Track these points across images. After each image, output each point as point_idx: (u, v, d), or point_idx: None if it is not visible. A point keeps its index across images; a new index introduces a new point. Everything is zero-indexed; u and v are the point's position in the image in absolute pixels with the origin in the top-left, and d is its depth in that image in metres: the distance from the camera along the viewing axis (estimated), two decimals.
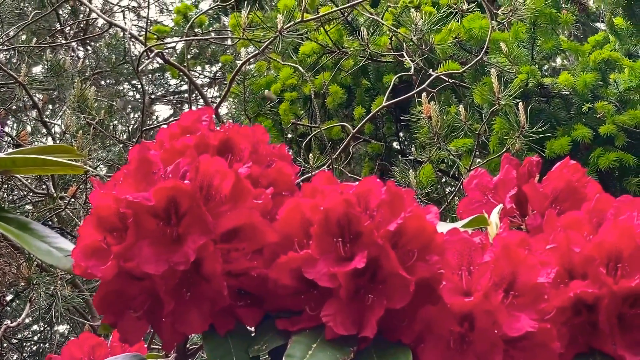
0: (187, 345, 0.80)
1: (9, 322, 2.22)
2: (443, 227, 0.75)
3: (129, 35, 2.52)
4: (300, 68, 3.07)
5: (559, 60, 4.14)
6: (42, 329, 3.99)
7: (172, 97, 6.78)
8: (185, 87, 6.74)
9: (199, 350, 0.85)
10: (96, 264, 0.69)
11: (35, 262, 2.23)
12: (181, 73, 5.35)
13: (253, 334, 0.73)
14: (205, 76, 6.33)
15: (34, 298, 2.25)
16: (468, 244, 0.73)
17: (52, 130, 3.03)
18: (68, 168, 0.82)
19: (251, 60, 3.35)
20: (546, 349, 0.70)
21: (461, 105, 2.73)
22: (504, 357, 0.70)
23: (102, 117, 2.65)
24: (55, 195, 2.40)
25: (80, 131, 2.47)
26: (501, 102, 2.51)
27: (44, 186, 2.75)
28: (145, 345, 1.16)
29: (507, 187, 0.98)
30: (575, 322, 0.74)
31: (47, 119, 2.82)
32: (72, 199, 2.44)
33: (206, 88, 6.29)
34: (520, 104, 2.52)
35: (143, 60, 2.46)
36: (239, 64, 2.87)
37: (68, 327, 4.18)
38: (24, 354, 4.36)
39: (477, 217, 0.87)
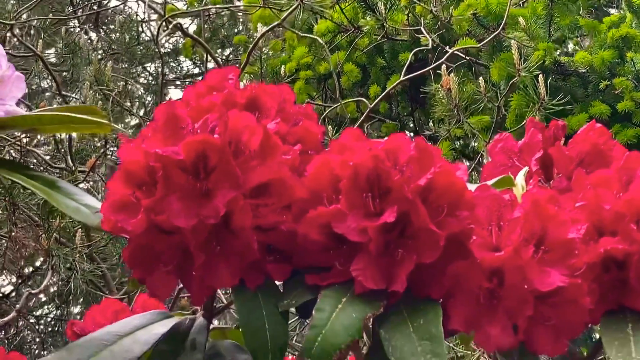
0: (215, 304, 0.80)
1: (30, 289, 2.24)
2: (471, 187, 0.75)
3: (147, 4, 2.52)
4: (321, 40, 3.05)
5: (571, 45, 4.12)
6: (57, 306, 4.02)
7: (185, 80, 6.77)
8: (197, 70, 6.74)
9: (225, 309, 0.85)
10: (126, 218, 0.69)
11: (53, 235, 2.25)
12: (194, 52, 5.36)
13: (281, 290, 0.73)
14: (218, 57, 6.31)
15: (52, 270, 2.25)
16: (498, 200, 0.72)
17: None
18: (95, 127, 0.82)
19: (266, 37, 3.34)
20: (576, 304, 0.70)
21: (481, 78, 2.72)
22: (533, 313, 0.69)
23: (120, 90, 2.65)
24: (73, 168, 2.41)
25: (100, 102, 2.47)
26: (521, 74, 2.49)
27: (59, 162, 2.76)
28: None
29: (532, 151, 0.97)
30: (605, 279, 0.73)
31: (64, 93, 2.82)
32: (91, 172, 2.44)
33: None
34: (540, 76, 2.51)
35: (162, 30, 2.46)
36: (252, 43, 2.86)
37: (83, 307, 4.20)
38: (39, 332, 4.39)
39: (503, 178, 0.86)
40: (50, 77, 3.37)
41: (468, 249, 0.70)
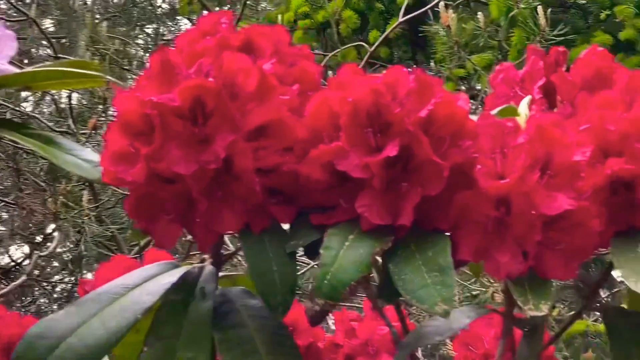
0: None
1: (39, 252, 2.25)
2: (473, 117, 0.74)
3: None
4: None
5: None
6: (71, 272, 4.04)
7: None
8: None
9: (233, 256, 0.85)
10: (126, 168, 0.69)
11: (60, 199, 2.24)
12: (191, 11, 5.31)
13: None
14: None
15: (61, 234, 2.25)
16: (501, 128, 0.71)
17: None
18: (89, 80, 0.81)
19: None
20: (585, 227, 0.69)
21: (479, 13, 2.69)
22: (542, 238, 0.69)
23: (117, 47, 2.63)
24: (76, 130, 2.39)
25: (96, 60, 2.45)
26: (520, 6, 2.46)
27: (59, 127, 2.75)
28: None
29: (534, 79, 0.96)
30: (614, 201, 0.72)
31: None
32: (94, 132, 2.44)
33: None
34: (540, 7, 2.48)
35: None
36: None
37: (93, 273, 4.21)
38: (55, 300, 4.43)
39: (507, 108, 0.85)
40: (47, 44, 3.34)
41: (473, 178, 0.69)
